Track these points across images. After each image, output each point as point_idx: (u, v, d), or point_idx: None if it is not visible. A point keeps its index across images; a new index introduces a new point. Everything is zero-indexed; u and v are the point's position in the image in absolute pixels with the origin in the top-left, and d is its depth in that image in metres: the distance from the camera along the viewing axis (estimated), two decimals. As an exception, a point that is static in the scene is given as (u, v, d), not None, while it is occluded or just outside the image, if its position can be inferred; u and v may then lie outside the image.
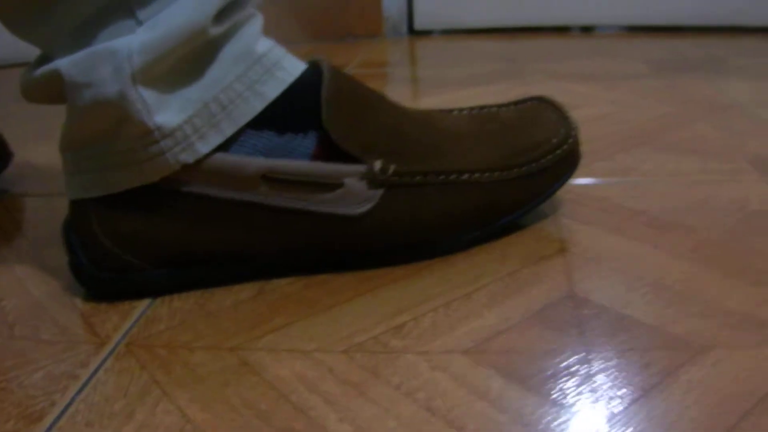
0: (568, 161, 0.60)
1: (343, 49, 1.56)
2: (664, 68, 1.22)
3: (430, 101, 1.06)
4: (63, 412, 0.41)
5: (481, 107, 0.63)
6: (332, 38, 1.68)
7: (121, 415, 0.41)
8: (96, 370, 0.45)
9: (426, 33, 1.71)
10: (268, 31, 0.55)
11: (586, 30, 1.66)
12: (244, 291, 0.54)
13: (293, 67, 0.54)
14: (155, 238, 0.52)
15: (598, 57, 1.34)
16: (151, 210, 0.51)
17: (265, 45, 0.53)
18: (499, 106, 0.64)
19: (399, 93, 1.14)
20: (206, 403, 0.41)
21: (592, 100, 1.01)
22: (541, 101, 0.64)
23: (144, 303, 0.53)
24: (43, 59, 0.52)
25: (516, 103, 0.64)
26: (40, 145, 0.94)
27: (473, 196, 0.56)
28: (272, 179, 0.51)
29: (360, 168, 0.52)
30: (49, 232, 0.66)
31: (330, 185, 0.52)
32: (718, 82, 1.11)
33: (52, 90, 0.50)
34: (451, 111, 0.63)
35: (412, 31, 1.72)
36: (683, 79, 1.13)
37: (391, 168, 0.53)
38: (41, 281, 0.57)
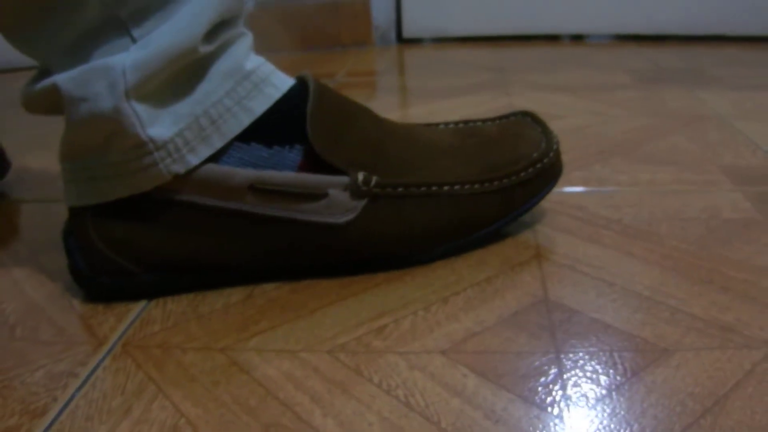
0: (548, 175, 0.61)
1: (331, 58, 1.58)
2: (645, 79, 1.24)
3: (416, 111, 1.08)
4: (64, 408, 0.44)
5: (466, 122, 0.66)
6: (321, 47, 1.69)
7: (119, 410, 0.43)
8: (94, 369, 0.47)
9: (415, 41, 1.72)
10: (258, 39, 0.57)
11: (577, 38, 1.66)
12: (234, 294, 0.56)
13: (281, 83, 0.56)
14: (148, 244, 0.54)
15: (583, 67, 1.36)
16: (144, 218, 0.53)
17: (254, 62, 0.55)
18: (484, 120, 0.66)
19: (386, 102, 1.16)
20: (198, 400, 0.44)
21: (573, 111, 1.03)
22: (525, 116, 0.66)
23: (139, 305, 0.55)
24: (43, 73, 0.54)
25: (500, 117, 0.66)
26: (37, 151, 0.95)
27: (453, 208, 0.58)
28: (259, 189, 0.53)
29: (343, 179, 0.54)
30: (46, 236, 0.68)
31: (315, 195, 0.54)
32: (697, 92, 1.13)
33: (50, 103, 0.52)
34: (437, 125, 0.65)
35: (401, 40, 1.73)
36: (663, 90, 1.15)
37: (374, 180, 0.55)
38: (39, 284, 0.59)
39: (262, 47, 0.58)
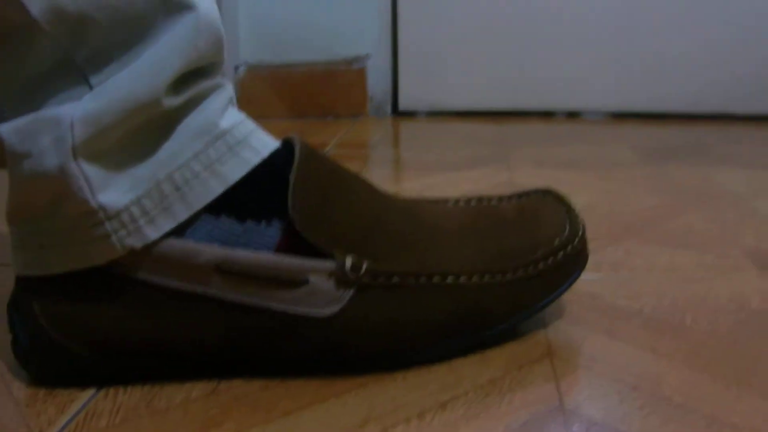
0: (571, 265, 0.54)
1: (323, 127, 1.54)
2: (651, 156, 1.20)
3: (411, 185, 1.03)
4: None
5: (479, 198, 0.59)
6: (314, 115, 1.66)
7: None
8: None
9: (410, 114, 1.70)
10: (247, 104, 0.51)
11: (572, 115, 1.65)
12: (197, 388, 0.48)
13: (262, 146, 0.49)
14: (97, 324, 0.47)
15: (584, 143, 1.32)
16: (93, 294, 0.47)
17: (231, 119, 0.48)
18: (500, 198, 0.59)
19: (379, 175, 1.11)
20: None
21: (579, 188, 0.98)
22: (546, 194, 0.59)
23: (87, 394, 0.48)
24: None
25: (519, 195, 0.59)
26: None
27: (458, 301, 0.50)
28: (228, 271, 0.46)
29: (328, 264, 0.47)
30: (2, 306, 0.61)
31: (293, 282, 0.47)
32: (707, 170, 1.08)
33: None
34: (445, 201, 0.58)
35: (397, 112, 1.70)
36: (672, 168, 1.11)
37: (364, 266, 0.47)
38: (-22, 362, 0.53)
39: (250, 113, 0.52)
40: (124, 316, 0.47)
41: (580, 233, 0.55)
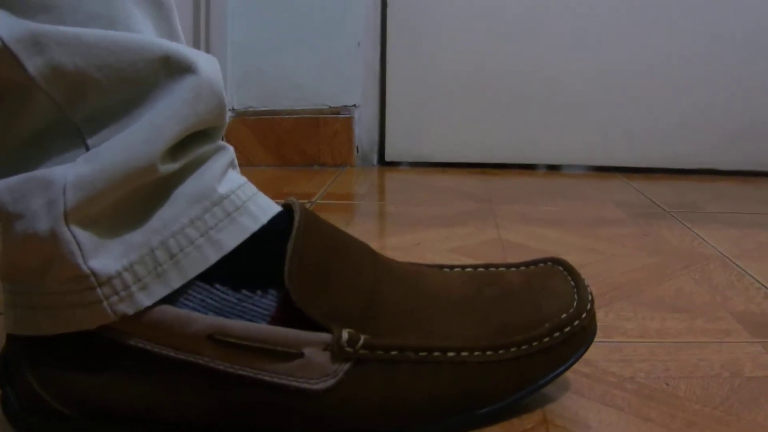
0: (577, 341, 0.52)
1: (310, 176, 1.53)
2: (637, 213, 1.20)
3: (398, 241, 1.02)
4: None
5: (487, 266, 0.57)
6: (299, 164, 1.65)
7: None
8: None
9: (396, 164, 1.70)
10: (235, 152, 0.50)
11: (553, 168, 1.66)
12: (186, 455, 0.47)
13: (261, 212, 0.48)
14: (84, 387, 0.46)
15: (569, 199, 1.32)
16: (83, 358, 0.46)
17: (230, 184, 0.47)
18: (508, 266, 0.57)
19: (367, 230, 1.10)
20: None
21: (567, 247, 0.97)
22: (556, 264, 0.57)
23: (71, 456, 0.47)
24: None
25: (528, 263, 0.58)
26: None
27: (458, 378, 0.48)
28: (220, 341, 0.45)
29: (324, 337, 0.46)
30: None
31: (287, 354, 0.45)
32: (695, 229, 1.09)
33: None
34: (452, 267, 0.57)
35: (383, 162, 1.70)
36: (659, 226, 1.11)
37: (361, 340, 0.46)
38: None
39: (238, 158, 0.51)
40: (113, 381, 0.46)
41: (588, 307, 0.53)
